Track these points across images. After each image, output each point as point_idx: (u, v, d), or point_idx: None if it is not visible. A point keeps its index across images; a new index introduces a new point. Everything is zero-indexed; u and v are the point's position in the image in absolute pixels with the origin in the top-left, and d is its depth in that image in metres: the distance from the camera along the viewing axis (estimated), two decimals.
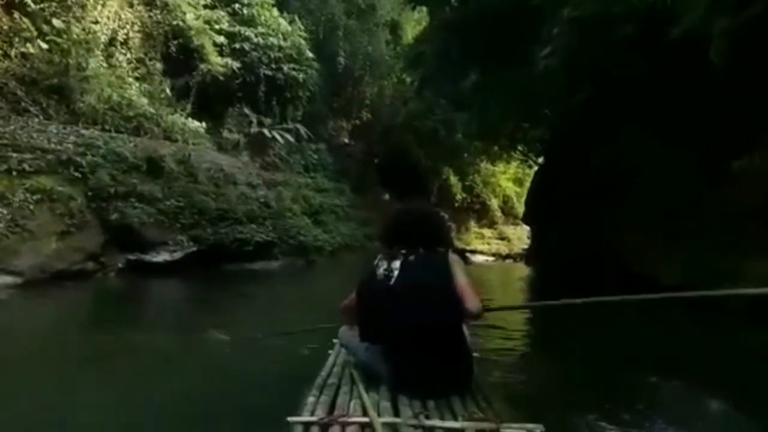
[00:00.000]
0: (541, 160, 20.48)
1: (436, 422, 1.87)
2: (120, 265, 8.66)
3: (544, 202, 13.31)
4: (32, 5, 12.10)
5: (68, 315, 5.84)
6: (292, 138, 19.00)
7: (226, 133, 16.86)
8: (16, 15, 11.86)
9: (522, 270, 18.06)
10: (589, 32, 6.38)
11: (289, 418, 1.87)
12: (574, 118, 10.97)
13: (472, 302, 2.25)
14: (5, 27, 11.66)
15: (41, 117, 10.23)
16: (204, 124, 16.16)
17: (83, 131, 9.94)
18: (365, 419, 1.84)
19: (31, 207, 7.17)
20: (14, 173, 7.46)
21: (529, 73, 11.79)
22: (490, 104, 16.79)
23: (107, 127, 11.73)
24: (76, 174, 8.49)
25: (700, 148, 6.68)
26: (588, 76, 7.26)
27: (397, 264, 2.31)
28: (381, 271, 2.32)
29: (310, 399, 2.11)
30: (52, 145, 8.60)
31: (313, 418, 1.88)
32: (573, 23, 6.40)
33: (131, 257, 8.93)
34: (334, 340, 2.92)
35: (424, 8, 20.05)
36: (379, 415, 1.87)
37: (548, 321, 6.34)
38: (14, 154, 7.64)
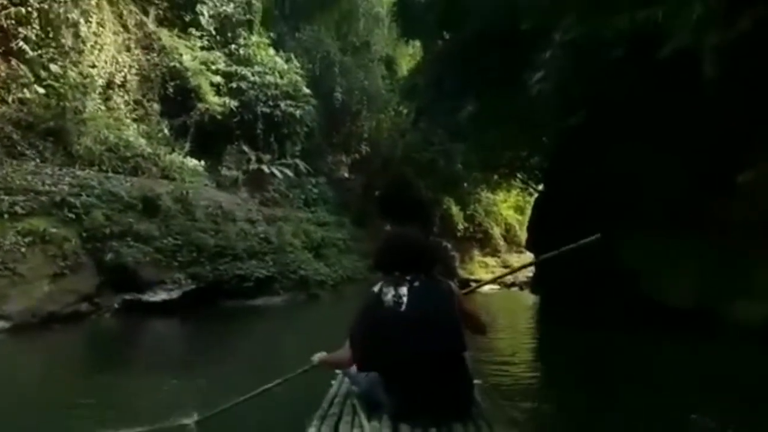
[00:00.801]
0: (541, 187, 20.47)
1: None
2: (116, 305, 8.50)
3: (546, 228, 13.18)
4: (30, 52, 12.27)
5: (52, 361, 5.68)
6: (291, 173, 19.04)
7: (224, 171, 16.88)
8: (14, 62, 12.03)
9: (527, 297, 17.83)
10: (580, 55, 6.37)
11: None
12: (572, 143, 10.95)
13: (479, 324, 2.48)
14: (2, 74, 11.79)
15: (37, 160, 10.23)
16: (203, 163, 16.20)
17: (78, 172, 9.92)
18: None
19: (23, 250, 7.06)
20: (6, 216, 7.38)
21: (524, 100, 11.87)
22: (486, 134, 16.89)
23: (104, 168, 11.74)
24: (70, 215, 8.41)
25: (701, 164, 6.61)
26: (582, 99, 7.22)
27: (404, 290, 2.27)
28: (389, 297, 2.27)
29: (311, 430, 2.11)
30: (47, 187, 8.55)
31: None
32: (565, 47, 6.39)
33: (127, 297, 8.78)
34: (337, 371, 2.88)
35: (418, 42, 20.47)
36: None
37: (553, 349, 6.20)
38: (6, 197, 7.58)
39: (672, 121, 7.00)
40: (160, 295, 9.31)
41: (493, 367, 4.87)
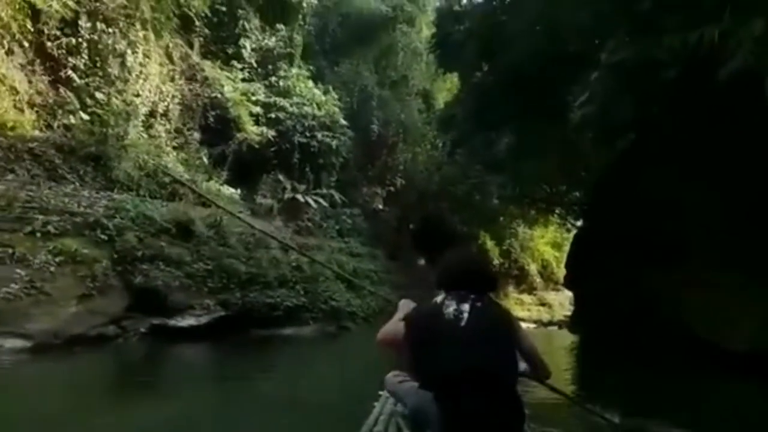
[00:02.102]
0: (579, 222, 19.89)
1: None
2: (143, 329, 8.35)
3: (586, 265, 12.69)
4: (77, 80, 12.67)
5: (73, 383, 5.49)
6: (326, 203, 19.05)
7: (260, 199, 16.94)
8: (62, 90, 12.43)
9: (566, 337, 17.14)
10: (629, 77, 6.06)
11: None
12: (613, 176, 10.53)
13: (544, 366, 2.47)
14: (50, 101, 12.18)
15: (77, 183, 10.39)
16: (239, 191, 16.31)
17: (115, 195, 9.99)
18: None
19: (52, 269, 7.00)
20: (38, 235, 7.38)
21: (563, 131, 11.56)
22: (524, 166, 16.56)
23: (142, 193, 11.87)
24: (103, 236, 8.37)
25: (761, 197, 6.12)
26: (629, 123, 6.86)
27: (466, 307, 2.30)
28: (450, 310, 2.29)
29: None
30: (82, 209, 8.58)
31: None
32: (612, 68, 6.09)
33: (155, 322, 8.63)
34: (380, 392, 2.86)
35: (455, 77, 20.47)
36: None
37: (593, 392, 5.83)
38: (40, 217, 7.59)
39: (727, 149, 6.56)
40: (188, 321, 9.15)
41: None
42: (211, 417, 4.10)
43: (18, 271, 6.58)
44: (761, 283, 6.39)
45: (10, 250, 6.80)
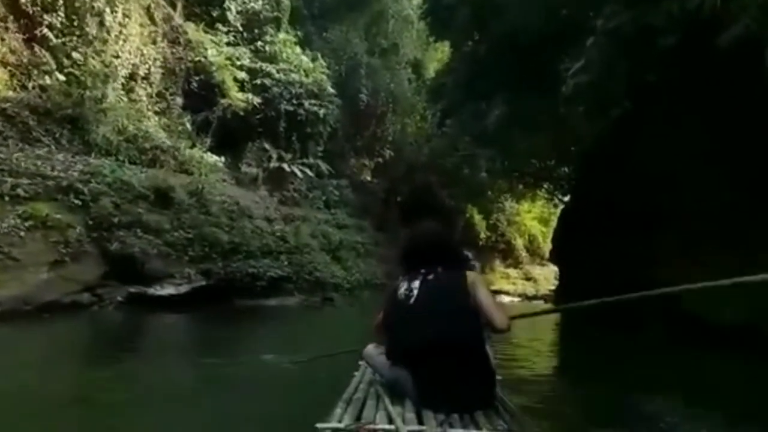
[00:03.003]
0: (567, 198, 19.82)
1: (460, 431, 1.95)
2: (120, 298, 8.12)
3: (573, 239, 12.62)
4: (54, 39, 12.14)
5: (46, 351, 5.28)
6: (312, 173, 18.73)
7: (244, 168, 16.60)
8: (37, 49, 11.90)
9: None
10: (626, 44, 5.81)
11: (318, 425, 1.92)
12: (603, 150, 10.34)
13: (498, 317, 2.34)
14: (25, 60, 11.67)
15: (53, 147, 10.00)
16: (223, 159, 15.95)
17: (92, 160, 9.63)
18: (391, 427, 1.93)
19: (21, 234, 6.71)
20: (6, 198, 7.05)
21: (555, 103, 11.31)
22: (514, 140, 16.34)
23: (121, 158, 11.51)
24: (77, 201, 8.06)
25: (756, 170, 5.96)
26: (623, 94, 6.63)
27: (416, 284, 2.38)
28: (402, 291, 2.40)
29: (337, 410, 2.17)
30: (55, 173, 8.24)
31: (341, 425, 1.96)
32: (608, 35, 5.83)
33: (133, 290, 8.40)
34: (360, 362, 2.99)
35: (447, 47, 20.02)
36: (404, 423, 1.96)
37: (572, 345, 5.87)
38: (9, 179, 7.26)
39: (723, 120, 6.37)
40: (168, 290, 8.94)
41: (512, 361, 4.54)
42: (184, 389, 3.91)
43: None
44: (750, 258, 6.29)
45: None
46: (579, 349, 8.13)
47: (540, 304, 23.03)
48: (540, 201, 28.36)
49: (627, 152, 8.79)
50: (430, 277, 2.39)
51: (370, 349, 2.74)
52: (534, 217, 32.54)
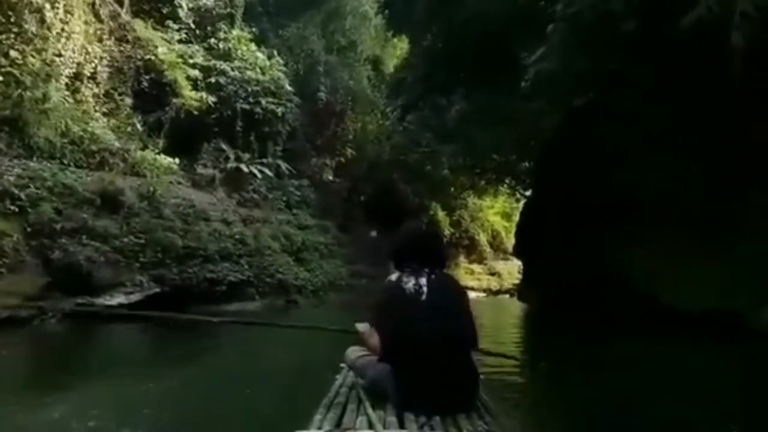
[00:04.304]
0: (529, 192, 19.99)
1: None
2: (65, 310, 7.55)
3: (535, 233, 12.66)
4: None
5: None
6: (272, 174, 18.25)
7: (200, 169, 16.00)
8: None
9: (514, 305, 17.26)
10: (586, 30, 5.68)
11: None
12: (561, 142, 10.34)
13: (476, 333, 2.48)
14: None
15: None
16: (177, 160, 15.32)
17: (31, 164, 9.00)
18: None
19: None
20: None
21: (515, 97, 11.25)
22: (475, 135, 16.30)
23: (66, 162, 10.87)
24: (13, 208, 7.48)
25: (717, 156, 5.93)
26: (585, 82, 6.52)
27: (423, 280, 2.40)
28: (410, 285, 2.39)
29: (317, 416, 2.15)
30: None
31: (322, 431, 1.94)
32: (568, 20, 5.70)
33: (79, 301, 7.84)
34: (341, 365, 2.95)
35: (406, 44, 19.85)
36: (385, 428, 1.94)
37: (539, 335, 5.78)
38: None
39: (685, 107, 6.33)
40: (117, 299, 8.40)
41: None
42: (133, 406, 3.54)
43: None
44: (715, 246, 6.29)
45: None
46: (546, 340, 8.03)
47: (505, 299, 23.16)
48: (502, 196, 28.61)
49: (587, 143, 8.77)
50: (433, 276, 2.43)
51: (352, 350, 2.74)
52: (497, 213, 32.83)
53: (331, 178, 23.47)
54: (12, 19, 11.87)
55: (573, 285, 9.42)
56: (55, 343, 6.80)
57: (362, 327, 2.80)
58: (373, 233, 23.16)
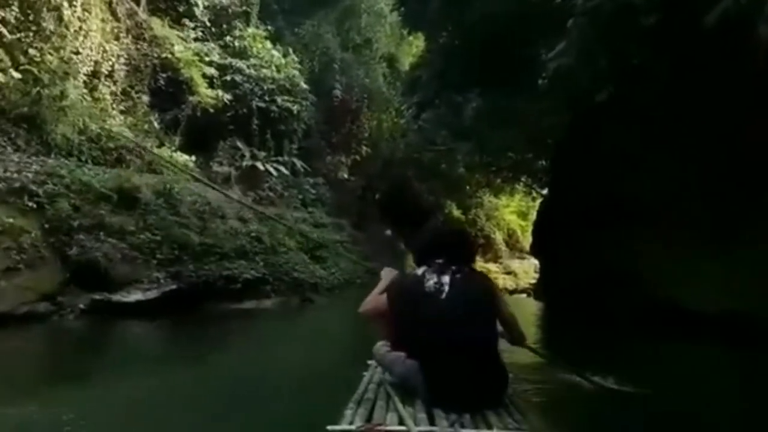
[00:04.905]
0: (545, 191, 19.78)
1: (471, 431, 1.97)
2: (82, 306, 7.60)
3: (552, 232, 12.52)
4: (8, 35, 11.53)
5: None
6: (287, 172, 18.30)
7: (216, 167, 16.09)
8: None
9: (531, 304, 17.10)
10: (606, 24, 5.57)
11: (329, 427, 1.92)
12: (579, 141, 10.20)
13: (517, 332, 2.59)
14: None
15: (9, 148, 9.44)
16: (193, 158, 15.42)
17: (49, 161, 9.08)
18: (403, 428, 1.93)
19: None
20: None
21: (532, 94, 11.11)
22: (491, 133, 16.17)
23: (83, 159, 10.98)
24: (31, 204, 7.55)
25: (734, 155, 5.78)
26: (606, 75, 6.39)
27: (446, 279, 2.37)
28: (431, 283, 2.37)
29: (348, 411, 2.17)
30: (8, 174, 7.70)
31: (352, 427, 1.96)
32: (588, 14, 5.58)
33: (97, 297, 7.87)
34: (368, 362, 3.00)
35: (422, 41, 19.73)
36: (415, 424, 1.95)
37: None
38: None
39: (706, 105, 6.18)
40: (135, 296, 8.41)
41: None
42: (151, 405, 3.53)
43: None
44: (726, 246, 6.15)
45: None
46: (564, 339, 7.92)
47: (521, 298, 22.97)
48: (518, 195, 28.37)
49: (604, 142, 8.63)
50: (459, 275, 2.40)
51: (379, 346, 2.75)
52: (512, 211, 32.61)
53: (346, 176, 23.47)
54: (30, 18, 12.02)
55: (591, 284, 9.29)
56: (72, 339, 6.84)
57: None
58: (388, 231, 23.13)
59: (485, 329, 2.35)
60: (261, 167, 17.04)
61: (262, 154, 17.57)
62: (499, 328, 2.56)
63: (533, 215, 21.82)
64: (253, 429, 3.09)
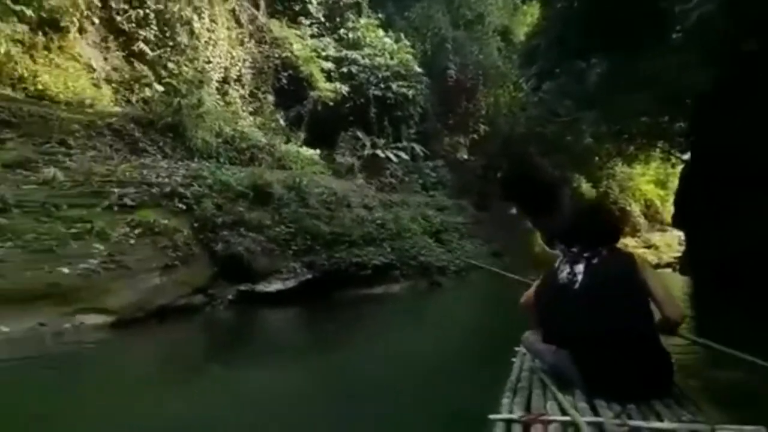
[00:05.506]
0: (686, 156, 17.97)
1: (641, 423, 1.82)
2: (230, 297, 8.23)
3: (697, 201, 11.33)
4: (150, 53, 12.73)
5: (148, 360, 5.39)
6: (407, 157, 18.41)
7: (339, 158, 16.58)
8: (136, 64, 12.52)
9: (676, 279, 15.68)
10: None
11: (491, 416, 1.89)
12: (724, 99, 9.05)
13: (671, 309, 2.26)
14: (127, 76, 12.32)
15: (159, 156, 10.44)
16: (318, 151, 16.04)
17: (192, 164, 9.91)
18: (567, 418, 1.83)
19: (132, 242, 6.94)
20: (115, 208, 7.34)
21: (666, 49, 10.04)
22: (619, 99, 14.94)
23: (221, 160, 11.85)
24: (181, 205, 8.28)
25: None
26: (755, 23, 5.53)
27: (580, 268, 2.30)
28: (564, 275, 2.33)
29: (505, 400, 2.11)
30: (159, 179, 8.51)
31: (515, 416, 1.89)
32: None
33: (242, 288, 8.49)
34: (516, 348, 2.95)
35: (535, 10, 18.76)
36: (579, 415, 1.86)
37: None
38: (116, 190, 7.56)
39: None
40: (275, 285, 8.94)
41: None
42: (313, 391, 3.81)
43: (96, 245, 6.52)
44: None
45: (89, 225, 6.76)
46: (714, 322, 7.11)
47: (665, 273, 21.24)
48: (655, 162, 26.08)
49: (750, 97, 7.57)
50: (595, 261, 2.29)
51: (529, 335, 2.69)
52: (649, 180, 30.13)
53: (465, 156, 23.09)
54: (167, 34, 13.17)
55: (749, 255, 8.29)
56: (222, 328, 7.44)
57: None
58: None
59: (632, 311, 2.18)
60: (381, 155, 17.30)
61: (382, 141, 17.81)
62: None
63: (674, 183, 19.98)
64: (408, 415, 3.10)
